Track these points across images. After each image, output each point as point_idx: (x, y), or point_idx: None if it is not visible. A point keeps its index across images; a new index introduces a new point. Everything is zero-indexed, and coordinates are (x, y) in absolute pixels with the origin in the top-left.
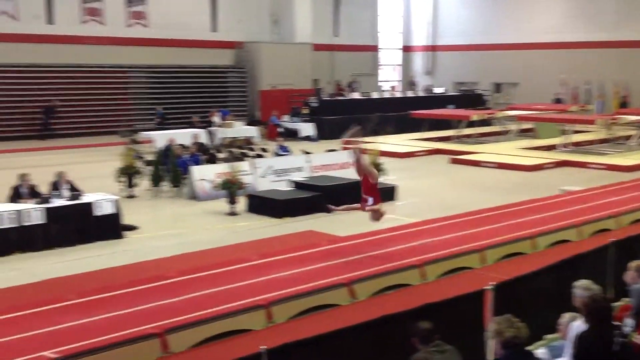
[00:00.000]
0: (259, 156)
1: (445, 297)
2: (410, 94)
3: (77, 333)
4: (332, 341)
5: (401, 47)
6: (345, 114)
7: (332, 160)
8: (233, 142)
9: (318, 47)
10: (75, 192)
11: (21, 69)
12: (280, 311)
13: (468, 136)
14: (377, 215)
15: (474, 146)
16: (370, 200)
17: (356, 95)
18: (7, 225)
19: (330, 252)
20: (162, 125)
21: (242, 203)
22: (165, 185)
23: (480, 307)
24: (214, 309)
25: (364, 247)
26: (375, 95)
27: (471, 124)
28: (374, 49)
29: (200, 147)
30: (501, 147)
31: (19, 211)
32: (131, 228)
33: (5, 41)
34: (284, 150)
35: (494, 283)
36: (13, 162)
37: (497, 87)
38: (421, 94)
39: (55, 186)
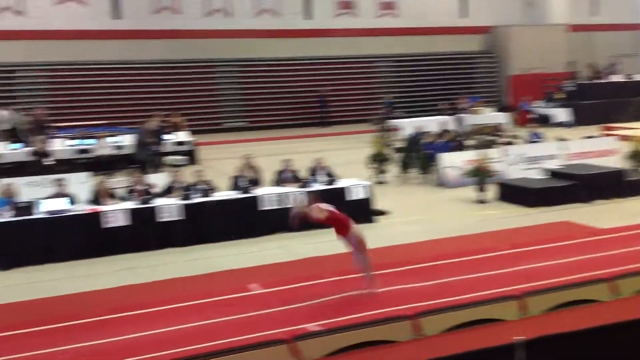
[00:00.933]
0: (509, 143)
1: None
2: None
3: (335, 308)
4: (594, 337)
5: None
6: (605, 98)
7: (589, 148)
8: (482, 129)
9: (574, 28)
10: (330, 177)
11: (295, 62)
12: (534, 303)
13: None
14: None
15: None
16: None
17: (617, 78)
18: (271, 206)
19: (590, 244)
20: (390, 115)
21: (491, 191)
22: (414, 172)
23: None
24: (466, 296)
25: (630, 241)
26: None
27: None
28: (638, 27)
29: (452, 134)
30: None
31: (281, 194)
32: (381, 213)
33: (268, 37)
34: (536, 137)
35: None
36: (283, 148)
37: None
38: None
39: (313, 172)
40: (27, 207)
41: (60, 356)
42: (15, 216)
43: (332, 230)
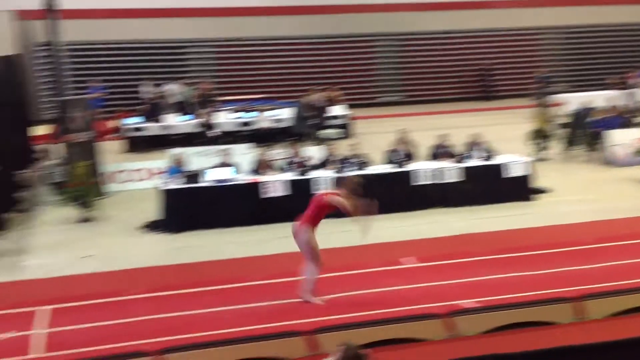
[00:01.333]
0: None
1: None
2: None
3: (493, 286)
4: None
5: None
6: None
7: None
8: None
9: None
10: (487, 153)
11: (453, 35)
12: None
13: None
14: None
15: None
16: None
17: None
18: (427, 181)
19: None
20: (546, 89)
21: None
22: (579, 149)
23: None
24: (635, 281)
25: None
26: None
27: None
28: None
29: (621, 110)
30: None
31: (438, 169)
32: (540, 191)
33: (426, 10)
34: None
35: None
36: (439, 123)
37: None
38: None
39: (470, 147)
40: (195, 176)
41: (225, 315)
42: (185, 184)
43: (489, 207)
